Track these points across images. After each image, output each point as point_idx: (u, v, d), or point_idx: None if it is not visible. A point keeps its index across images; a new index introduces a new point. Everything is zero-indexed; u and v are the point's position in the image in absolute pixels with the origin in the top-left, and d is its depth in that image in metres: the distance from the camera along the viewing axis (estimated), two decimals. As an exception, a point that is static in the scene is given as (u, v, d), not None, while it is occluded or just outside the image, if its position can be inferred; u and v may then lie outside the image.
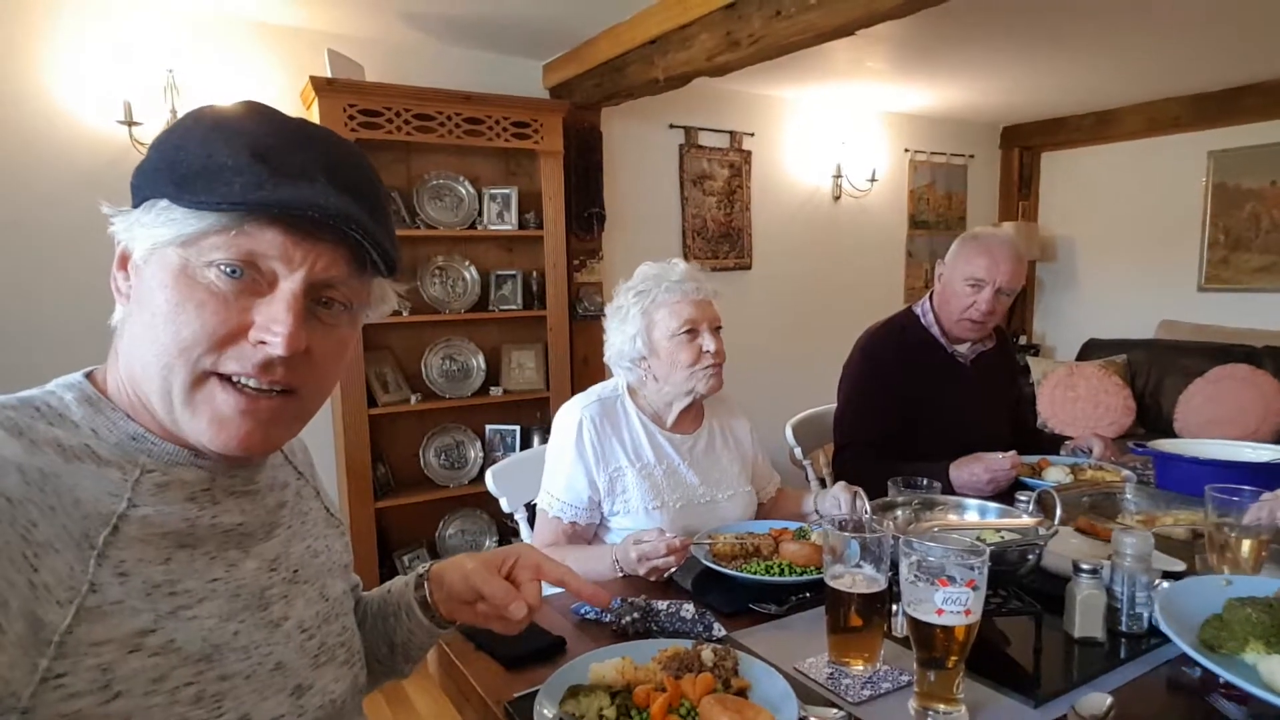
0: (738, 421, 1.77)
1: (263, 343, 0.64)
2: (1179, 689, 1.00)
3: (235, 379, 0.64)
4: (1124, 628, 1.12)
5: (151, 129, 2.63)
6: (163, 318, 0.63)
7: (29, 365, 2.54)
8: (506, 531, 3.26)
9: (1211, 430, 3.67)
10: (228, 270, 0.63)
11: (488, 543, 3.22)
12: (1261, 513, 1.08)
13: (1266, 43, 3.34)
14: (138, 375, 0.66)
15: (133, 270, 0.67)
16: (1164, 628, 0.90)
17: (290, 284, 0.65)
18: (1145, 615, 1.12)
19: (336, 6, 2.75)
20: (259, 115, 0.68)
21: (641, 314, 1.58)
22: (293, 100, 2.91)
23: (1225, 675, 0.82)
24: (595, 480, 1.54)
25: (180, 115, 0.71)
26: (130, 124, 2.58)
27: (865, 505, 1.16)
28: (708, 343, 1.55)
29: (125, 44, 2.62)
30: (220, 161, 0.63)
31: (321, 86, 2.68)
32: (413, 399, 3.05)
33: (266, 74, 2.89)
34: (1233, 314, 4.33)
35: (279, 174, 0.63)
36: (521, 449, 3.22)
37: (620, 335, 1.61)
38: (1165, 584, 1.19)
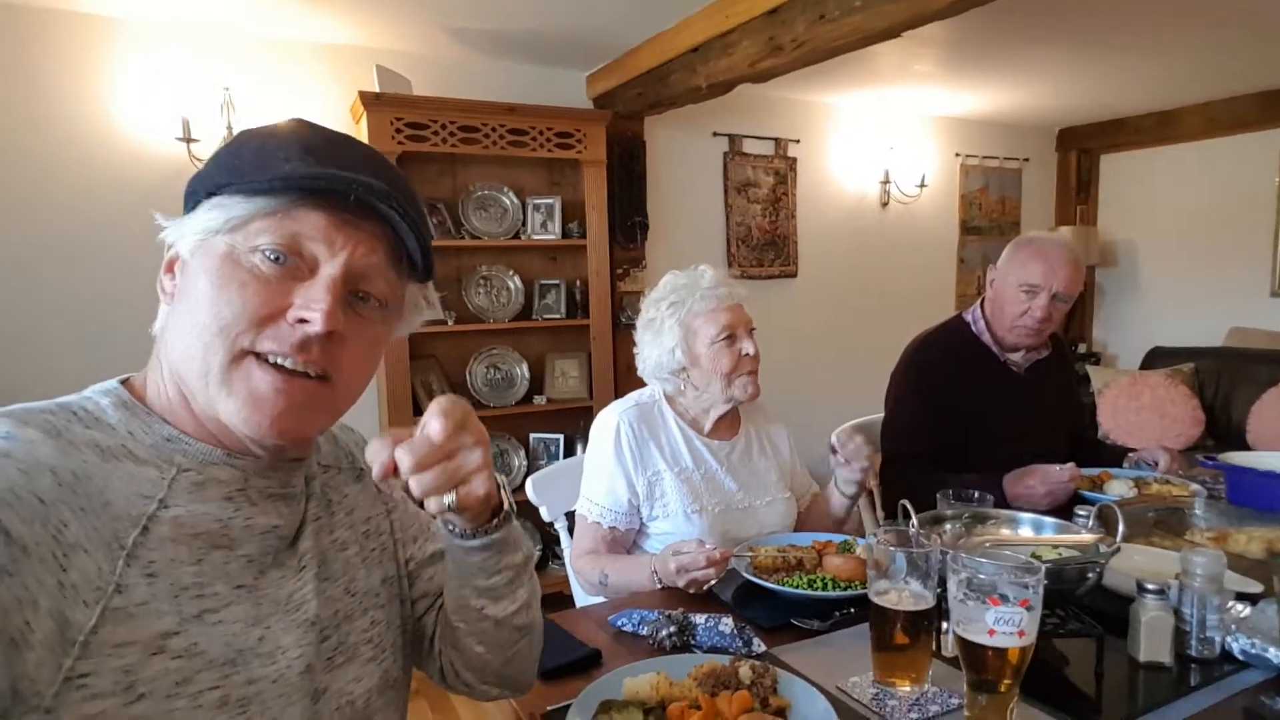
0: (775, 428, 1.76)
1: (301, 320, 0.65)
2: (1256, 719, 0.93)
3: (272, 358, 0.65)
4: (1194, 652, 1.05)
5: (209, 146, 2.72)
6: (206, 300, 0.65)
7: (96, 379, 2.64)
8: (550, 540, 3.26)
9: (1288, 443, 3.47)
10: (271, 256, 0.65)
11: (534, 553, 3.22)
12: None
13: (1343, 35, 3.17)
14: (178, 364, 0.67)
15: (179, 269, 0.69)
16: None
17: (330, 268, 0.67)
18: (1217, 639, 1.05)
19: (385, 24, 2.80)
20: (306, 124, 0.73)
21: (679, 325, 1.57)
22: (342, 114, 2.98)
23: None
24: (634, 484, 1.54)
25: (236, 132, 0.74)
26: (189, 140, 2.67)
27: (914, 518, 1.11)
28: (746, 346, 1.55)
29: (183, 64, 2.72)
30: (272, 154, 0.68)
31: (370, 101, 2.74)
32: (457, 407, 3.06)
33: (317, 89, 2.96)
34: (1310, 321, 4.11)
35: (327, 162, 0.67)
36: (565, 458, 3.22)
37: (657, 348, 1.60)
38: (1240, 605, 1.12)
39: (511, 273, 3.22)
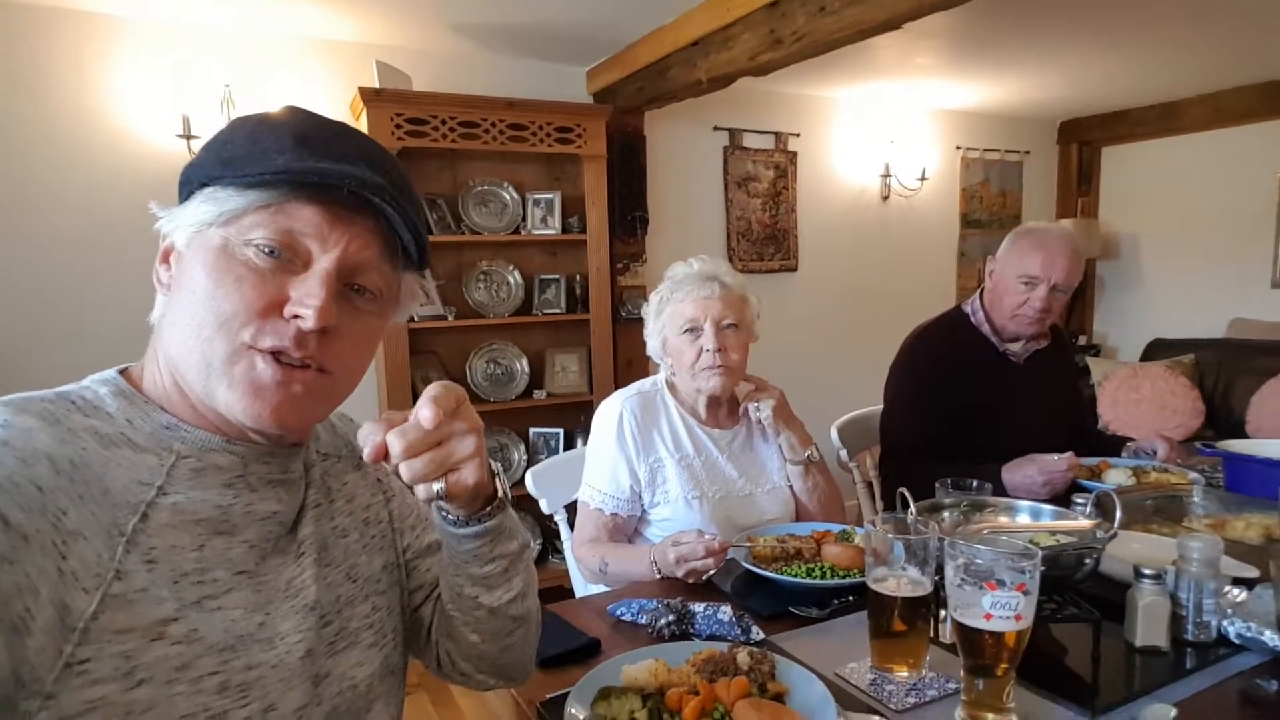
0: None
1: (296, 316, 0.65)
2: (1253, 703, 0.94)
3: (273, 352, 0.66)
4: (1190, 636, 1.06)
5: (208, 142, 2.73)
6: (203, 294, 0.65)
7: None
8: (550, 534, 3.27)
9: (1289, 434, 3.47)
10: (266, 250, 0.66)
11: (532, 544, 3.23)
12: None
13: (1345, 24, 3.15)
14: (175, 356, 0.67)
15: (174, 260, 0.70)
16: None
17: (324, 262, 0.67)
18: (1214, 623, 1.06)
19: (384, 19, 2.80)
20: (301, 112, 0.72)
21: (659, 314, 1.63)
22: (342, 110, 2.98)
23: None
24: (636, 471, 1.56)
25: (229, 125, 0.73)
26: (189, 137, 2.68)
27: (912, 507, 1.12)
28: (707, 341, 1.54)
29: (184, 61, 2.73)
30: (265, 145, 0.67)
31: (370, 96, 2.74)
32: (458, 402, 3.07)
33: (318, 85, 2.97)
34: (1311, 312, 4.10)
35: (320, 155, 0.67)
36: (566, 443, 3.24)
37: (651, 337, 1.66)
38: (1236, 590, 1.12)
39: (511, 268, 3.22)
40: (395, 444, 0.64)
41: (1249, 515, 1.43)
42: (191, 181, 0.69)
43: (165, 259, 0.71)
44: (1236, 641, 1.04)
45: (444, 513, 0.75)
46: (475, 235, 3.08)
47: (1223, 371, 4.01)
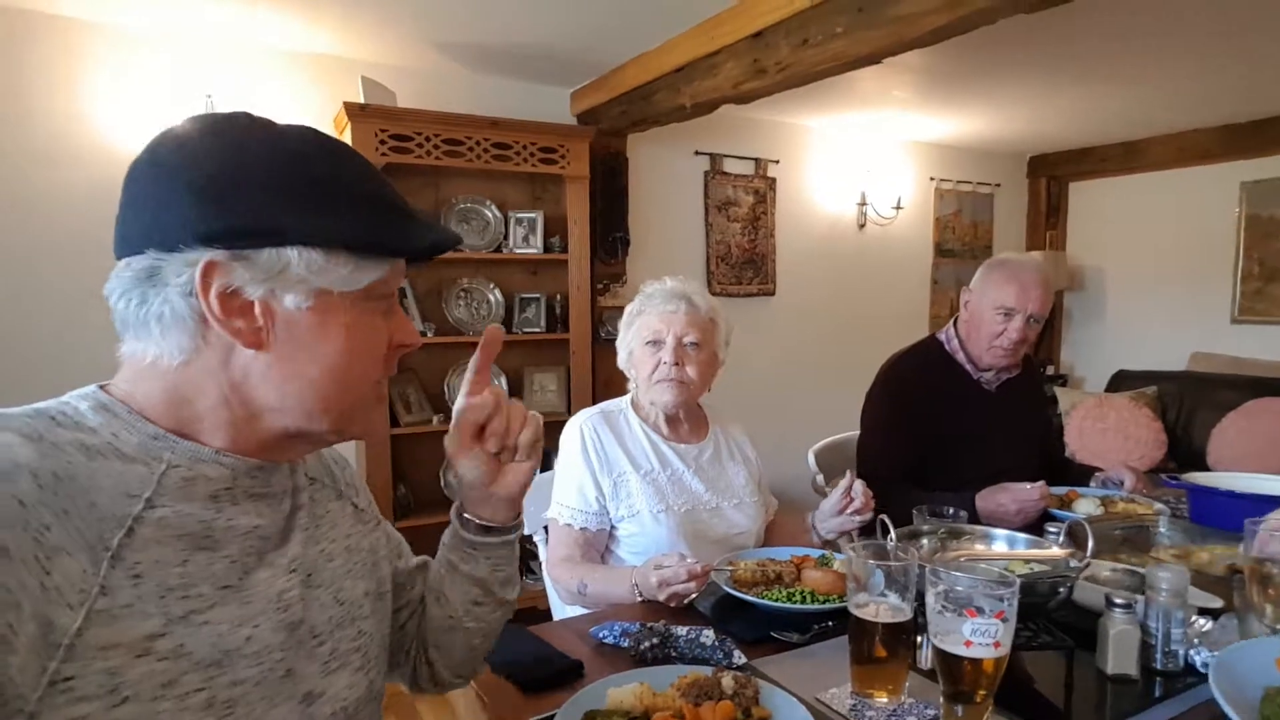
0: (742, 436, 1.80)
1: (404, 345, 0.76)
2: (1218, 732, 0.96)
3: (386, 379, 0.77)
4: (1159, 665, 1.08)
5: (189, 151, 2.70)
6: (351, 352, 0.70)
7: (75, 387, 2.60)
8: (525, 555, 3.24)
9: (1246, 464, 3.56)
10: (381, 299, 0.73)
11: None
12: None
13: (1299, 73, 3.30)
14: (291, 406, 0.69)
15: (269, 313, 0.66)
16: (1223, 705, 0.85)
17: (408, 292, 0.84)
18: (1181, 653, 1.08)
19: (370, 35, 2.81)
20: (353, 156, 0.74)
21: (629, 327, 1.68)
22: (326, 124, 2.98)
23: None
24: (600, 484, 1.58)
25: (242, 141, 0.68)
26: (169, 147, 2.65)
27: (892, 533, 1.14)
28: (665, 354, 1.59)
29: (165, 69, 2.71)
30: (380, 207, 0.71)
31: (355, 112, 2.74)
32: (435, 419, 3.06)
33: (301, 99, 2.96)
34: (1268, 347, 4.25)
35: (403, 212, 0.73)
36: (542, 471, 3.22)
37: (622, 346, 1.72)
38: (1202, 620, 1.15)
39: (492, 286, 3.23)
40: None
41: (1212, 546, 1.48)
42: (284, 232, 0.65)
43: (242, 311, 0.65)
44: (1202, 671, 1.07)
45: (486, 524, 0.88)
46: (457, 252, 3.06)
47: (1184, 404, 4.13)
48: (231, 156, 0.65)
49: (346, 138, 2.83)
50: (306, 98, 2.97)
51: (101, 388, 0.69)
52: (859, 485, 1.52)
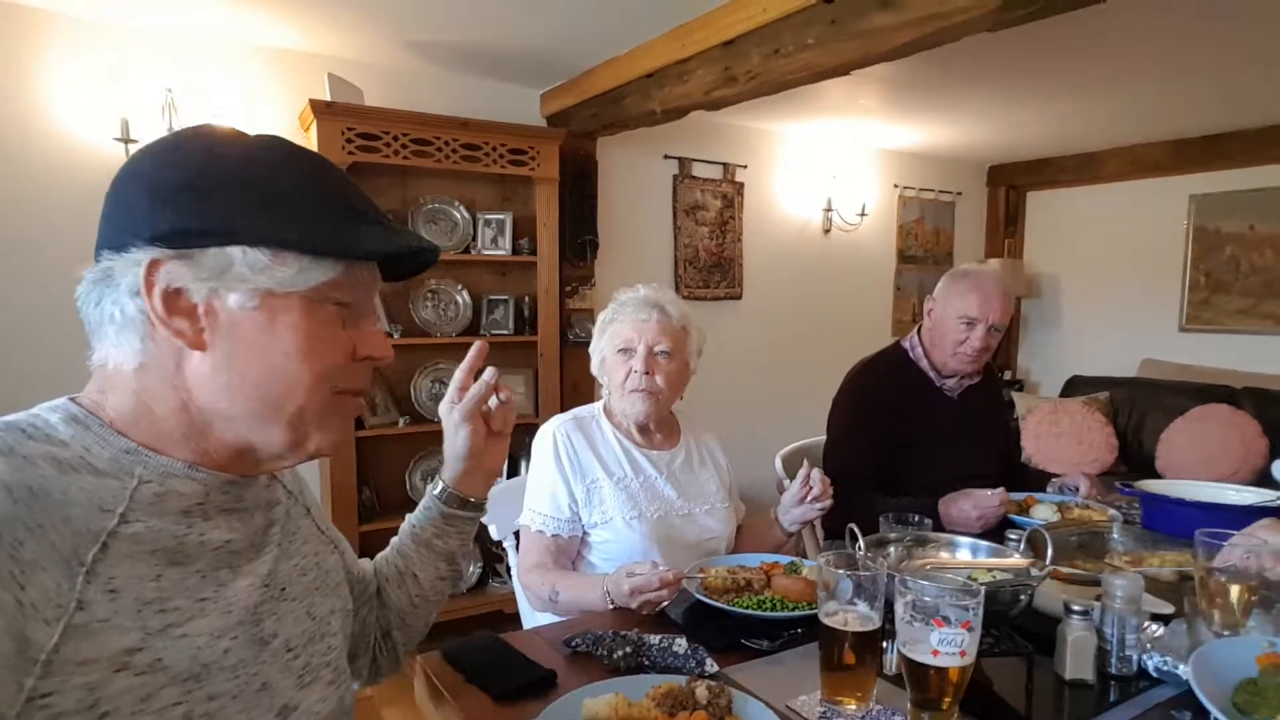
0: (713, 442, 1.82)
1: (370, 357, 0.75)
2: (1169, 734, 1.01)
3: (353, 391, 0.75)
4: (1114, 670, 1.12)
5: (148, 146, 2.63)
6: (297, 354, 0.69)
7: (27, 386, 2.52)
8: (490, 558, 3.23)
9: (1193, 469, 3.71)
10: (340, 304, 0.72)
11: (470, 567, 3.19)
12: (1247, 560, 1.10)
13: (1245, 91, 3.43)
14: (239, 410, 0.69)
15: (212, 313, 0.66)
16: (1196, 689, 0.90)
17: (374, 305, 0.78)
18: (1135, 657, 1.12)
19: (337, 31, 2.77)
20: (317, 161, 0.75)
21: (602, 334, 1.69)
22: (291, 122, 2.93)
23: None
24: (573, 490, 1.58)
25: (209, 148, 0.69)
26: (127, 141, 2.58)
27: (860, 542, 1.16)
28: (636, 363, 1.60)
29: (123, 62, 2.63)
30: (332, 211, 0.70)
31: (321, 109, 2.70)
32: (400, 422, 3.03)
33: (265, 94, 2.90)
34: (1213, 354, 4.40)
35: (367, 218, 0.73)
36: (510, 475, 3.20)
37: (595, 352, 1.72)
38: (1154, 626, 1.20)
39: (460, 287, 3.20)
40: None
41: (1163, 552, 1.54)
42: (232, 233, 0.65)
43: (186, 311, 0.65)
44: (1155, 675, 1.11)
45: (461, 499, 1.00)
46: (424, 253, 3.04)
47: (1135, 409, 4.26)
48: (192, 163, 0.67)
49: (312, 135, 2.79)
50: (271, 93, 2.91)
51: (72, 399, 0.69)
52: (816, 473, 1.57)
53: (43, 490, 0.59)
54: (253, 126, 2.77)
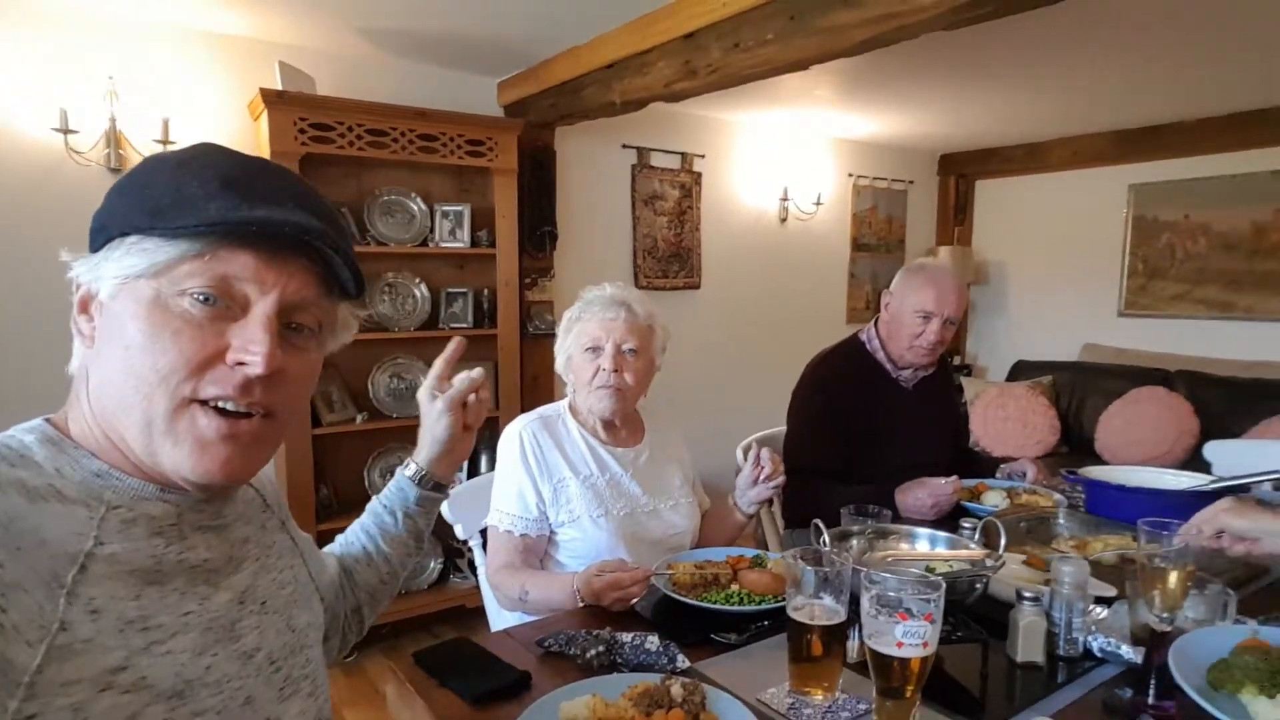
0: (676, 436, 1.84)
1: (241, 364, 0.65)
2: (1113, 711, 1.07)
3: (215, 403, 0.66)
4: (1061, 652, 1.18)
5: (89, 138, 2.54)
6: (138, 349, 0.64)
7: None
8: (451, 553, 3.22)
9: (1131, 450, 3.88)
10: (201, 298, 0.65)
11: (431, 564, 3.18)
12: (1213, 540, 1.18)
13: (1182, 85, 3.57)
14: (111, 411, 0.66)
15: (97, 310, 0.68)
16: (1174, 671, 0.97)
17: (264, 306, 0.67)
18: (1081, 640, 1.19)
19: (288, 18, 2.70)
20: (219, 150, 0.71)
21: (568, 332, 1.69)
22: (240, 112, 2.85)
23: (1221, 717, 0.91)
24: (541, 490, 1.59)
25: (138, 161, 0.72)
26: (66, 131, 2.48)
27: (825, 536, 1.20)
28: (605, 361, 1.61)
29: (62, 50, 2.52)
30: (190, 192, 0.65)
31: (271, 98, 2.63)
32: (359, 418, 2.99)
33: (212, 83, 2.81)
34: (1150, 339, 4.59)
35: (251, 199, 0.65)
36: (470, 469, 3.19)
37: (560, 351, 1.72)
38: (1098, 608, 1.27)
39: (418, 280, 3.16)
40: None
41: (1106, 537, 1.62)
42: (108, 229, 0.66)
43: (84, 309, 0.68)
44: (1099, 655, 1.17)
45: (434, 481, 1.04)
46: (381, 246, 3.00)
47: (1076, 392, 4.43)
48: (124, 182, 0.69)
49: (262, 126, 2.72)
50: (218, 82, 2.83)
51: (47, 420, 0.69)
52: (765, 453, 1.63)
53: (18, 514, 0.59)
54: (199, 116, 2.75)
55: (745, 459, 2.11)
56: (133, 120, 2.61)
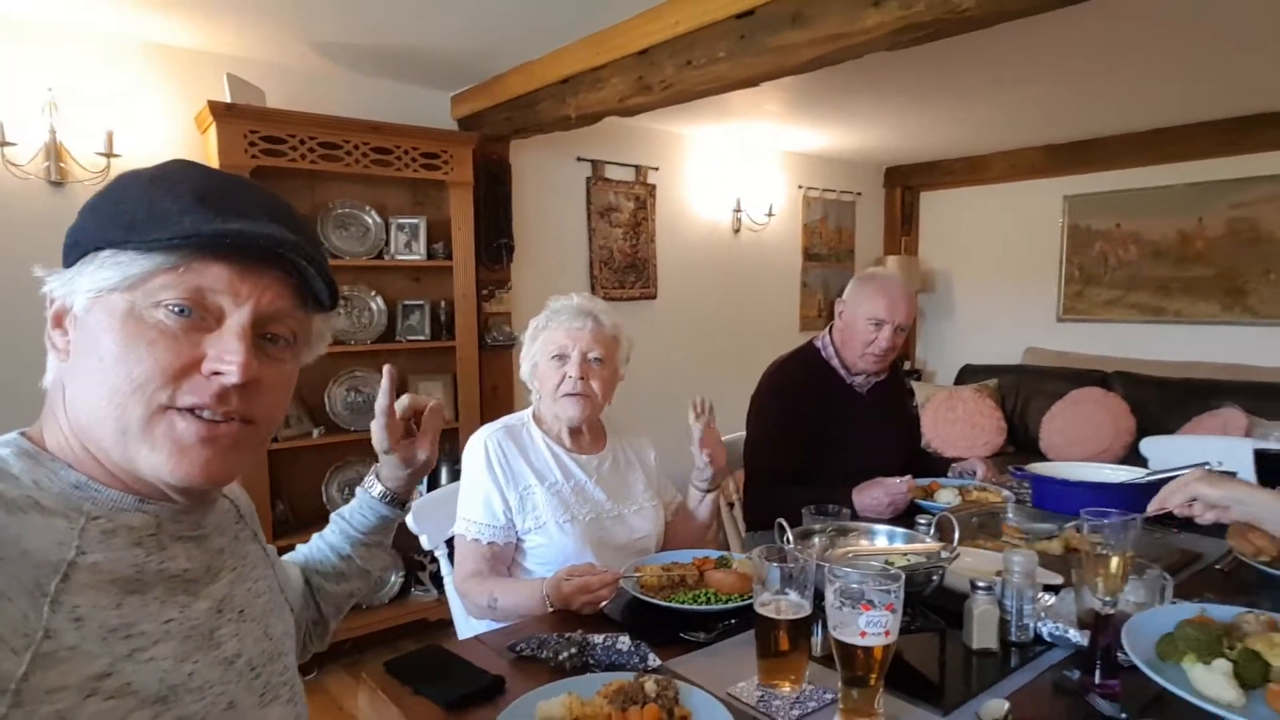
0: (641, 442, 1.88)
1: (216, 373, 0.66)
2: (1062, 691, 1.12)
3: (193, 410, 0.66)
4: (1014, 638, 1.24)
5: (27, 150, 2.46)
6: (112, 359, 0.64)
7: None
8: (413, 565, 3.19)
9: (1072, 448, 4.04)
10: (175, 309, 0.66)
11: (393, 578, 3.14)
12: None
13: (1110, 102, 3.76)
14: (87, 423, 0.66)
15: (71, 324, 0.68)
16: (1126, 647, 1.05)
17: (239, 317, 0.68)
18: (1031, 626, 1.25)
19: (235, 29, 2.66)
20: (192, 166, 0.72)
21: (534, 340, 1.71)
22: (187, 125, 2.80)
23: (1161, 683, 0.98)
24: (507, 497, 1.61)
25: (110, 179, 0.72)
26: (3, 144, 2.41)
27: (789, 534, 1.24)
28: (571, 368, 1.64)
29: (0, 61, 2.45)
30: (164, 206, 0.66)
31: (220, 111, 2.59)
32: (315, 432, 2.95)
33: (158, 95, 2.76)
34: (1087, 342, 4.79)
35: (224, 212, 0.67)
36: (430, 483, 3.17)
37: (526, 359, 1.74)
38: (1046, 596, 1.33)
39: (374, 293, 3.14)
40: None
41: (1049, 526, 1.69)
42: (82, 245, 0.67)
43: (58, 323, 0.69)
44: (1049, 640, 1.23)
45: (402, 500, 1.07)
46: (336, 259, 2.97)
47: (1020, 394, 4.60)
48: (97, 200, 0.70)
49: (210, 138, 2.67)
50: (164, 94, 2.77)
51: (22, 433, 0.69)
52: (698, 400, 1.75)
53: None
54: (145, 129, 2.69)
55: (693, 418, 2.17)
56: (74, 132, 2.54)
